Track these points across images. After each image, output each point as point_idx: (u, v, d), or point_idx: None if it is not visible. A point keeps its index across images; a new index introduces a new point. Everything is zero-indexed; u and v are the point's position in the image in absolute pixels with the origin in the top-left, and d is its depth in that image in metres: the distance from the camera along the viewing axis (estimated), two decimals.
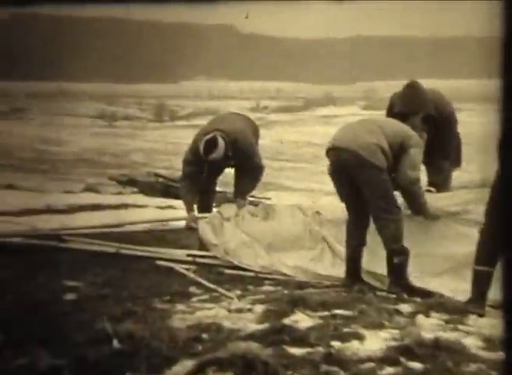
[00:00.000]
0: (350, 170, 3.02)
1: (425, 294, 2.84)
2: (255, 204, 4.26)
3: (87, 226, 3.92)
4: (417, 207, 3.09)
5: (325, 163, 3.17)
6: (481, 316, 2.53)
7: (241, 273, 3.29)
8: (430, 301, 2.67)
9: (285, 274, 3.27)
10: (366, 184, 2.98)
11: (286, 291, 2.91)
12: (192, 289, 2.98)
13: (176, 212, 4.77)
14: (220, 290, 2.95)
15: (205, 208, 4.02)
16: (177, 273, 3.23)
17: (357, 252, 3.09)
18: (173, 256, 3.49)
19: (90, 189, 7.41)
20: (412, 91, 3.39)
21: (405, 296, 2.88)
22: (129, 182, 7.40)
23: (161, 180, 7.06)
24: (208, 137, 3.78)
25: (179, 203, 4.57)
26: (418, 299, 2.80)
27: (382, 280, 3.02)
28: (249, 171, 3.92)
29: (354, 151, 3.01)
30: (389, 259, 3.00)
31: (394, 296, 2.90)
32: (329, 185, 3.31)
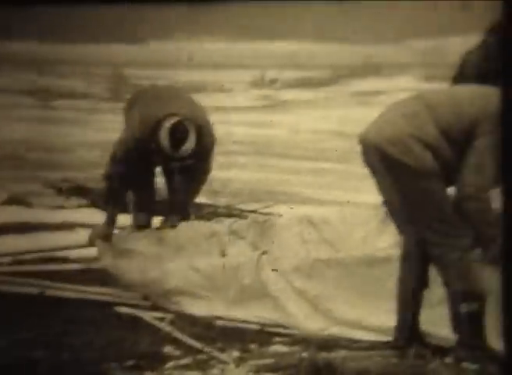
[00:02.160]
0: (382, 176, 2.90)
1: None
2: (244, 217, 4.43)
3: (9, 253, 4.04)
4: (485, 243, 2.80)
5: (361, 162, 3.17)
6: None
7: (240, 325, 3.36)
8: None
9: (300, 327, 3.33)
10: (405, 196, 2.83)
11: (305, 354, 2.96)
12: (168, 349, 3.05)
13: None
14: (209, 350, 3.01)
15: (144, 220, 4.17)
16: (146, 325, 3.31)
17: (415, 296, 2.98)
18: (139, 300, 3.61)
19: (14, 200, 7.48)
20: (496, 39, 3.19)
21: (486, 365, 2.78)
22: (76, 190, 7.42)
23: None
24: (171, 122, 3.85)
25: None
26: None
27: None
28: (200, 175, 4.10)
29: (380, 148, 2.86)
30: (454, 307, 2.86)
31: (474, 366, 2.83)
32: (368, 194, 3.31)
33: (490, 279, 2.89)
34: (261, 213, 6.11)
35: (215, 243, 3.96)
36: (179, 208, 4.17)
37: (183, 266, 3.73)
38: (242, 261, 3.66)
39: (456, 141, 2.82)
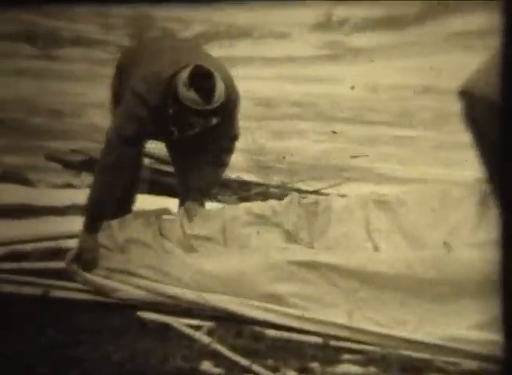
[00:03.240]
0: (492, 139, 2.92)
1: None
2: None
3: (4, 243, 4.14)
4: None
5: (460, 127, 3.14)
6: None
7: (297, 336, 3.38)
8: None
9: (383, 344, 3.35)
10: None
11: None
12: (205, 365, 3.10)
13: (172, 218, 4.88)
14: (258, 369, 3.05)
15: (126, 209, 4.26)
16: (178, 335, 3.35)
17: None
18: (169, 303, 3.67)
19: (10, 177, 7.53)
20: None
21: None
22: (87, 164, 7.48)
23: (147, 161, 7.16)
24: (188, 70, 3.84)
25: (175, 203, 4.73)
26: None
27: None
28: (225, 143, 4.15)
29: (492, 102, 2.83)
30: None
31: None
32: (463, 170, 3.28)
33: None
34: (323, 194, 6.08)
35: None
36: (203, 190, 4.22)
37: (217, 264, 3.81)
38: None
39: None
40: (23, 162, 8.66)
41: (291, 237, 4.09)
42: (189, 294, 3.67)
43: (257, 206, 4.19)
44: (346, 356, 3.27)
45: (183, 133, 4.06)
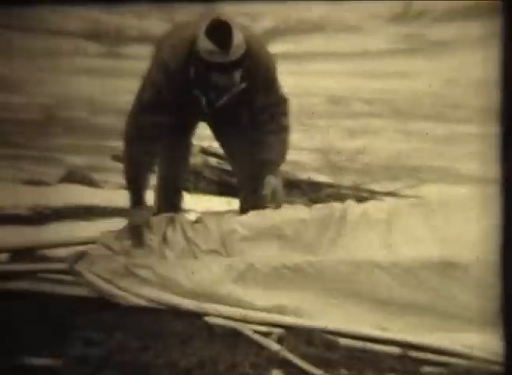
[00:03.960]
0: None
1: None
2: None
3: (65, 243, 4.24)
4: None
5: None
6: None
7: (374, 346, 3.37)
8: None
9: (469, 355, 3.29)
10: None
11: None
12: (275, 373, 3.13)
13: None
14: None
15: (172, 202, 4.29)
16: (247, 342, 3.37)
17: None
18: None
19: (75, 177, 7.61)
20: None
21: None
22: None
23: (213, 161, 7.20)
24: (207, 22, 3.84)
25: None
26: None
27: None
28: (272, 109, 4.10)
29: None
30: None
31: None
32: None
33: None
34: (399, 195, 6.04)
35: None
36: (276, 161, 4.18)
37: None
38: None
39: None
40: (87, 162, 8.77)
41: (296, 248, 4.05)
42: (188, 304, 3.73)
43: (261, 217, 4.14)
44: (427, 368, 3.24)
45: (211, 99, 4.05)
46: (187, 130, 4.38)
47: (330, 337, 3.43)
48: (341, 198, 5.60)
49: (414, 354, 3.31)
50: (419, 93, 11.89)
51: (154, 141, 4.04)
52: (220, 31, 3.83)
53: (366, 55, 14.07)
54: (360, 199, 5.31)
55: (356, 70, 12.07)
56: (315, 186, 6.33)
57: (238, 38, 3.83)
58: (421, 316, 3.55)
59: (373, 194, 6.04)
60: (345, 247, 3.99)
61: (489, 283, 3.39)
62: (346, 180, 6.67)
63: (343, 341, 3.41)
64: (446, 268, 3.57)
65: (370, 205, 4.16)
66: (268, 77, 4.07)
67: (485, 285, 3.44)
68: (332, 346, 3.36)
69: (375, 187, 6.33)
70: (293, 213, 4.14)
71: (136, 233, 4.04)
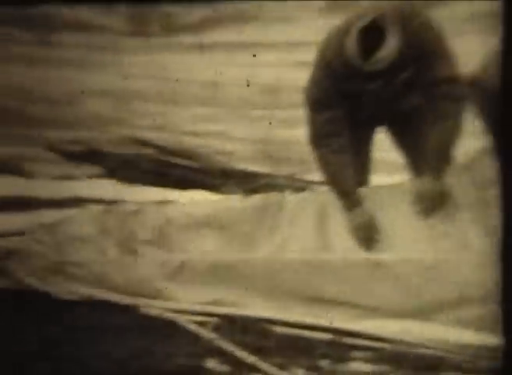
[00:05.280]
0: None
1: None
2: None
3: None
4: None
5: None
6: None
7: (307, 333, 3.40)
8: None
9: (397, 340, 3.35)
10: None
11: None
12: (211, 363, 3.13)
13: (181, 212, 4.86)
14: (265, 366, 3.07)
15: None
16: (182, 332, 3.39)
17: None
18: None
19: (7, 168, 7.55)
20: None
21: None
22: (88, 155, 7.52)
23: (150, 152, 7.17)
24: (363, 23, 3.60)
25: (185, 196, 4.69)
26: None
27: None
28: (444, 88, 3.72)
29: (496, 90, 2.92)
30: None
31: None
32: None
33: None
34: None
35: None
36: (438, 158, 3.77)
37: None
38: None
39: None
40: (19, 152, 8.65)
41: (234, 239, 4.07)
42: (122, 300, 3.73)
43: (197, 207, 4.15)
44: (358, 354, 3.28)
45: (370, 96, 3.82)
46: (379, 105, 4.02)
47: (265, 325, 3.46)
48: (278, 188, 5.60)
49: (344, 340, 3.35)
50: None
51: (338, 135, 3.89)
52: (372, 36, 3.60)
53: (300, 45, 14.11)
54: (297, 189, 5.31)
55: (290, 61, 12.10)
56: (251, 176, 6.33)
57: (388, 49, 3.60)
58: (348, 309, 3.60)
59: (308, 184, 6.05)
60: (280, 241, 3.99)
61: (413, 281, 3.51)
62: (283, 170, 6.66)
63: (277, 329, 3.44)
64: (374, 267, 3.63)
65: (306, 195, 4.17)
66: (435, 51, 3.71)
67: (408, 282, 3.53)
68: (267, 334, 3.39)
69: (311, 176, 6.32)
70: (231, 203, 4.13)
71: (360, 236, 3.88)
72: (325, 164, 3.94)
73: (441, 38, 3.74)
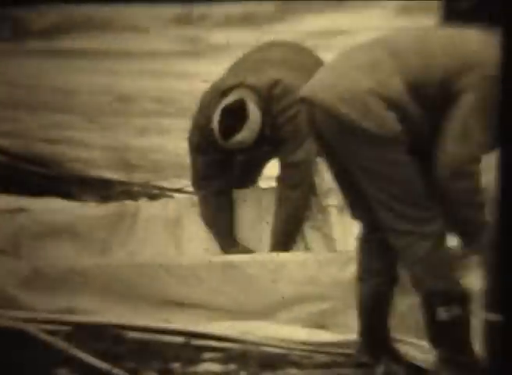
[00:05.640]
0: (330, 140, 2.90)
1: None
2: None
3: None
4: (471, 228, 2.86)
5: None
6: None
7: (159, 337, 3.41)
8: None
9: (243, 340, 3.42)
10: (362, 170, 2.86)
11: (244, 373, 3.09)
12: (62, 372, 3.08)
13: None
14: (118, 372, 3.05)
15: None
16: (33, 341, 3.30)
17: (379, 295, 3.07)
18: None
19: None
20: None
21: None
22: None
23: (2, 158, 6.98)
24: (227, 102, 3.77)
25: (39, 203, 4.63)
26: None
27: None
28: (290, 174, 3.94)
29: (331, 108, 2.84)
30: (429, 313, 2.91)
31: None
32: None
33: (474, 275, 2.99)
34: (188, 192, 6.08)
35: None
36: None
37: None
38: None
39: (429, 98, 2.84)
40: None
41: (90, 245, 4.11)
42: None
43: (51, 215, 4.16)
44: (207, 355, 3.32)
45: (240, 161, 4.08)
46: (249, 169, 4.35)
47: (117, 331, 3.44)
48: (133, 195, 5.60)
49: (195, 342, 3.39)
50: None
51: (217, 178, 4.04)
52: (234, 116, 3.74)
53: (153, 55, 14.07)
54: (152, 196, 5.35)
55: (144, 70, 12.07)
56: (107, 183, 6.29)
57: (250, 125, 3.73)
58: (199, 311, 3.68)
59: (163, 191, 6.08)
60: (135, 247, 4.04)
61: (261, 281, 3.62)
62: (138, 178, 6.66)
63: (129, 335, 3.43)
64: (226, 268, 3.70)
65: (161, 202, 4.23)
66: (295, 133, 3.89)
67: (257, 283, 3.63)
68: (118, 340, 3.37)
69: (165, 183, 6.35)
70: (86, 210, 4.14)
71: None
72: (204, 205, 4.04)
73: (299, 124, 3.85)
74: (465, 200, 2.88)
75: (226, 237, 4.06)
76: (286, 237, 3.98)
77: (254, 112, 3.76)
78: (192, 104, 4.19)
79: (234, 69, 4.09)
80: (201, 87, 4.19)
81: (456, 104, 2.83)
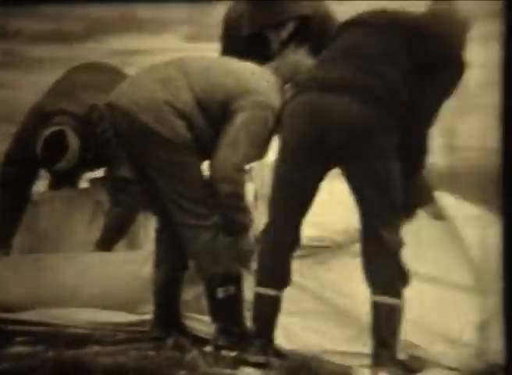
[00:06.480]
0: (129, 142, 3.39)
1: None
2: None
3: None
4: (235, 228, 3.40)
5: None
6: None
7: None
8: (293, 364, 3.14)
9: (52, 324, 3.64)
10: (154, 170, 3.34)
11: (50, 353, 3.23)
12: None
13: None
14: None
15: None
16: None
17: (171, 280, 3.55)
18: None
19: None
20: None
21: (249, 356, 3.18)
22: None
23: None
24: (48, 132, 4.01)
25: None
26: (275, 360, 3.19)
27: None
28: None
29: (131, 114, 3.35)
30: (210, 293, 3.40)
31: (233, 353, 3.31)
32: None
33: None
34: None
35: None
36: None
37: None
38: None
39: (213, 113, 3.36)
40: None
41: None
42: None
43: None
44: (18, 338, 3.47)
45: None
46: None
47: None
48: None
49: (8, 327, 3.59)
50: (17, 101, 11.95)
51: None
52: (56, 145, 3.99)
53: None
54: None
55: None
56: None
57: (70, 154, 3.99)
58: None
59: None
60: None
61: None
62: None
63: None
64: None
65: None
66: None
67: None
68: None
69: None
70: None
71: None
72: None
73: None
74: (229, 203, 3.36)
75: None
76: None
77: (73, 142, 4.05)
78: (8, 113, 4.27)
79: (52, 92, 4.35)
80: (22, 97, 4.28)
81: (232, 121, 3.34)
